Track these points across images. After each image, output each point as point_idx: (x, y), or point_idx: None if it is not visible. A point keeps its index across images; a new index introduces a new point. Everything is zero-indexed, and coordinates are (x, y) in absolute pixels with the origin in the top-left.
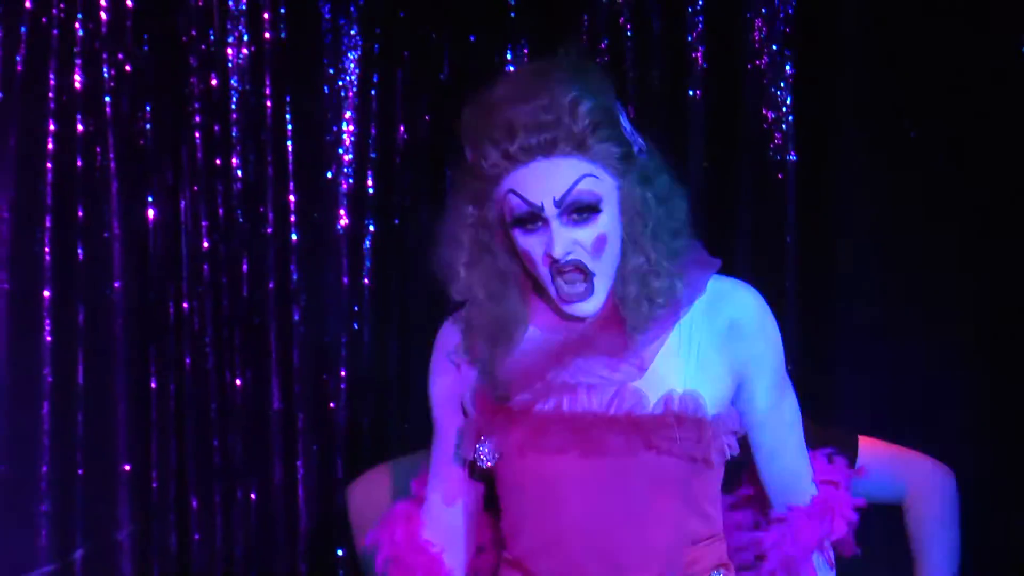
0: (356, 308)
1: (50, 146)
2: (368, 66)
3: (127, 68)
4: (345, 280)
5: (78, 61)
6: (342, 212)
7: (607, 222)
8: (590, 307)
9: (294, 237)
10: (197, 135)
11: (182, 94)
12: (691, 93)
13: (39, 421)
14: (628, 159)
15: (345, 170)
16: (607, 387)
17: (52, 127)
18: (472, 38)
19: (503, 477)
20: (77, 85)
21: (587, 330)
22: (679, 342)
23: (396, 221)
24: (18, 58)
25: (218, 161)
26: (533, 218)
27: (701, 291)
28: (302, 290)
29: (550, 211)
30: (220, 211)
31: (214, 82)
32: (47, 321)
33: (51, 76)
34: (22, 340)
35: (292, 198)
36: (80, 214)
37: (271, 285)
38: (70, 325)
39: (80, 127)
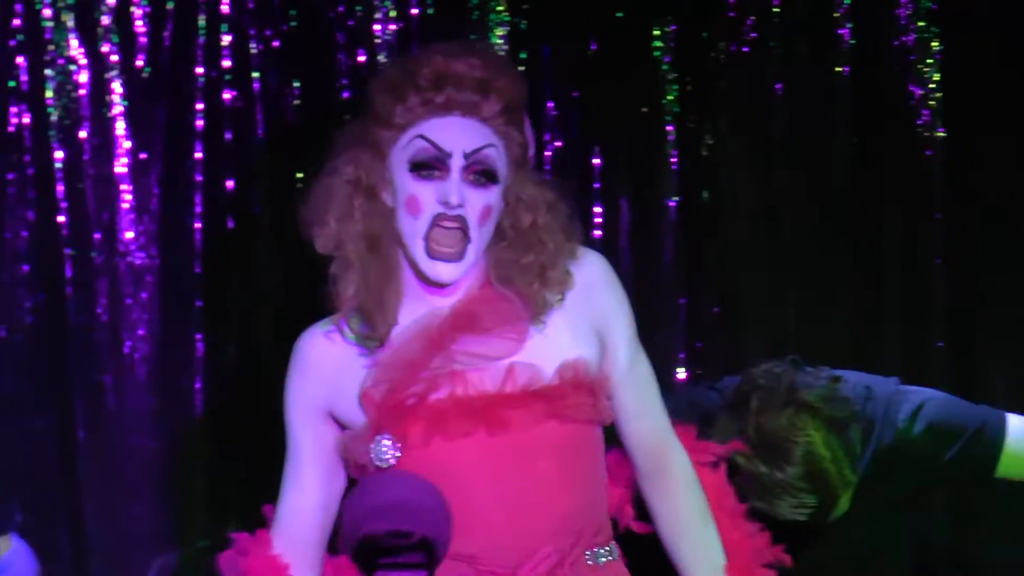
0: None
1: (199, 122)
2: (516, 42)
3: (275, 44)
4: None
5: (226, 37)
6: None
7: (496, 198)
8: (455, 272)
9: None
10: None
11: (330, 70)
12: (838, 69)
13: (191, 396)
14: (524, 155)
15: None
16: (492, 366)
17: (200, 104)
18: (619, 14)
19: (409, 469)
20: (225, 62)
21: (459, 311)
22: (553, 314)
23: None
24: (165, 35)
25: None
26: (436, 164)
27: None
28: None
29: (457, 161)
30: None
31: (362, 58)
32: (198, 296)
33: (199, 52)
34: (174, 315)
35: None
36: (230, 189)
37: None
38: (221, 300)
39: (229, 103)
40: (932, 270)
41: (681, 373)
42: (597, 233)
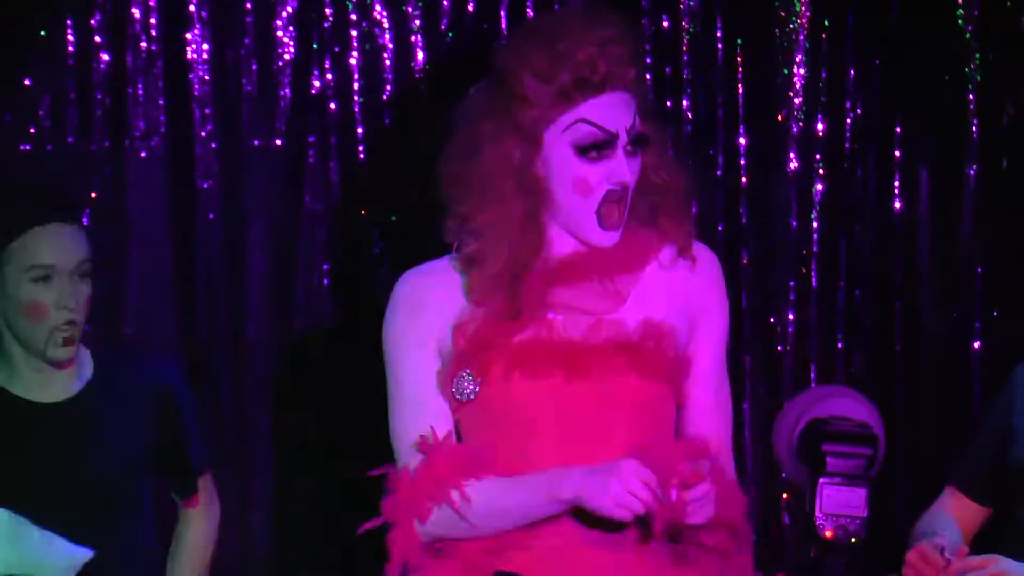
0: (804, 252)
1: None
2: (819, 10)
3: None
4: (794, 223)
5: (529, 2)
6: (792, 155)
7: (642, 160)
8: (618, 236)
9: (744, 180)
10: (649, 77)
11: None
12: None
13: None
14: (648, 105)
15: (795, 113)
16: (586, 318)
17: None
18: None
19: (486, 403)
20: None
21: (564, 261)
22: (653, 280)
23: (846, 165)
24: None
25: (669, 103)
26: (603, 146)
27: (672, 240)
28: (751, 233)
29: (622, 140)
30: (670, 152)
31: (665, 24)
32: None
33: (503, 18)
34: None
35: (742, 141)
36: None
37: (720, 227)
38: None
39: None
40: None
41: (976, 344)
42: (897, 205)
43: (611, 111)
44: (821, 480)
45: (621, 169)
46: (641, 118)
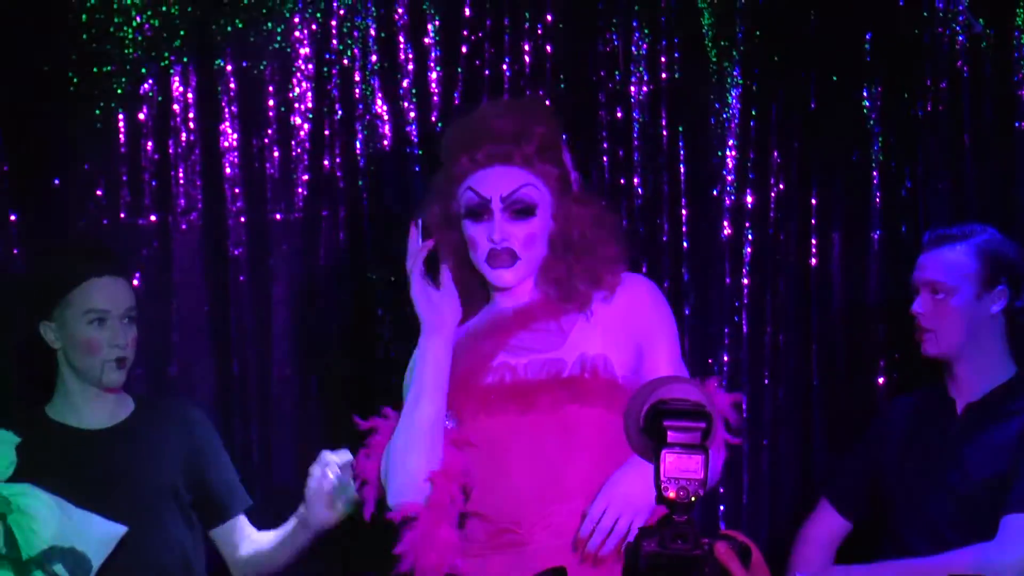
0: (736, 303)
1: None
2: (748, 101)
3: (546, 103)
4: (728, 280)
5: (506, 96)
6: (726, 223)
7: (538, 225)
8: (512, 277)
9: (685, 244)
10: (605, 159)
11: (593, 124)
12: (1017, 125)
13: None
14: (565, 182)
15: (728, 188)
16: (537, 359)
17: None
18: (834, 78)
19: (463, 439)
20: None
21: (519, 312)
22: (589, 320)
23: (771, 231)
24: (455, 94)
25: (622, 181)
26: (482, 209)
27: (606, 285)
28: (691, 289)
29: (496, 204)
30: (624, 223)
31: (619, 115)
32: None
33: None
34: None
35: (684, 212)
36: None
37: (666, 284)
38: None
39: None
40: None
41: (881, 380)
42: (814, 263)
43: (491, 180)
44: (664, 451)
45: (493, 228)
46: (544, 187)
